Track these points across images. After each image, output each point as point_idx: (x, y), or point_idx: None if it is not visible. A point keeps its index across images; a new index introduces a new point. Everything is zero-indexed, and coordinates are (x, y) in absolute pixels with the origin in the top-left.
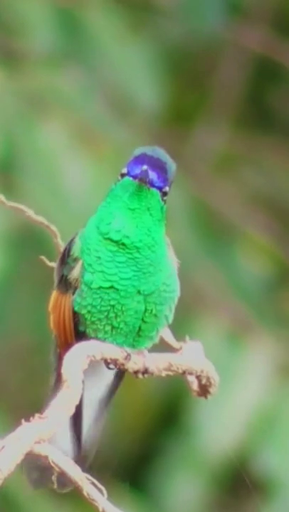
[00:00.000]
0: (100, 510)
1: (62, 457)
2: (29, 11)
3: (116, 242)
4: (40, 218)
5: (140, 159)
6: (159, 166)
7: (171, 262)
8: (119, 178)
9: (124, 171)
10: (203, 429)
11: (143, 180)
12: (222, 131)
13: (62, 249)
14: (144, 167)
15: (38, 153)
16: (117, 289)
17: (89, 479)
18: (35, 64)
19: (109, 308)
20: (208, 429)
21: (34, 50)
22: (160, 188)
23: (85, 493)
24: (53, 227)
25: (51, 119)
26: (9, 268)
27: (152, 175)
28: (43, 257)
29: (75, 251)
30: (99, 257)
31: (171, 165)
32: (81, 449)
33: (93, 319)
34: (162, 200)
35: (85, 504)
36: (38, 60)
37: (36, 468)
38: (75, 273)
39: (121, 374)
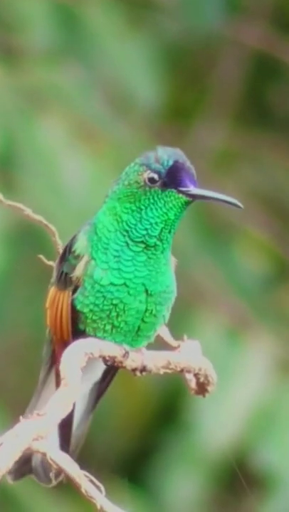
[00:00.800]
0: (98, 507)
1: (60, 454)
2: (28, 7)
3: (148, 246)
4: (38, 217)
5: (179, 170)
6: (194, 179)
7: (170, 261)
8: (147, 182)
9: (155, 176)
10: (202, 426)
11: (196, 200)
12: (221, 127)
13: (62, 247)
14: (218, 196)
15: (37, 150)
16: (128, 286)
17: (87, 476)
18: (34, 60)
19: (111, 307)
20: (206, 426)
21: (33, 47)
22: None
23: (83, 491)
24: (52, 226)
25: (50, 115)
26: (7, 265)
27: (188, 184)
28: (41, 256)
29: (78, 248)
30: (118, 256)
31: (194, 170)
32: (70, 445)
33: (94, 318)
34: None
35: (83, 501)
36: (37, 57)
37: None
38: (77, 270)
39: (111, 371)
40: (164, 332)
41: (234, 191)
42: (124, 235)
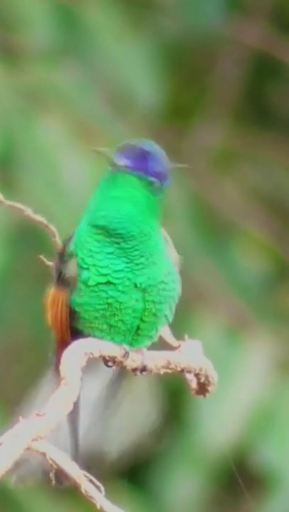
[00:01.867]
0: (98, 507)
1: (59, 454)
2: (28, 6)
3: (101, 228)
4: (38, 217)
5: (121, 149)
6: (139, 154)
7: (169, 259)
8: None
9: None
10: (202, 426)
11: (115, 166)
12: (221, 127)
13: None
14: (117, 152)
15: (36, 149)
16: (114, 284)
17: (87, 476)
18: (33, 59)
19: (105, 306)
20: (206, 426)
21: (33, 46)
22: (141, 177)
23: (83, 491)
24: (52, 226)
25: (50, 114)
26: (7, 265)
27: (125, 161)
28: (41, 256)
29: (70, 246)
30: (90, 250)
31: (160, 157)
32: (78, 450)
33: (89, 318)
34: (151, 190)
35: (83, 501)
36: (36, 56)
37: None
38: (70, 270)
39: (121, 374)
40: (165, 332)
41: (234, 190)
42: (86, 223)
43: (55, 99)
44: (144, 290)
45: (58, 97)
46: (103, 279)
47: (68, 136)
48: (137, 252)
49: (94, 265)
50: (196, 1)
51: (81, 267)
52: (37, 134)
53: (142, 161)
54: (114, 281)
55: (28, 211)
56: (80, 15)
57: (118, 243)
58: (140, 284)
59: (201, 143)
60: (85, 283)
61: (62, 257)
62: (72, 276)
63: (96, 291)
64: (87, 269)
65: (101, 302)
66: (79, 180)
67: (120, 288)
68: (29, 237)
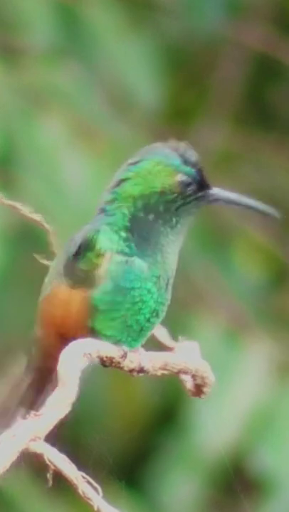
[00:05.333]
0: (95, 508)
1: (57, 455)
2: (28, 6)
3: None
4: (35, 216)
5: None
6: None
7: None
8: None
9: (189, 180)
10: (200, 428)
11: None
12: (221, 128)
13: (64, 245)
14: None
15: (36, 149)
16: (146, 287)
17: (84, 477)
18: (34, 60)
19: (130, 305)
20: (204, 428)
21: (33, 46)
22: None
23: (80, 492)
24: (48, 226)
25: (50, 115)
26: (5, 265)
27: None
28: (37, 256)
29: (103, 246)
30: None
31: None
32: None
33: (113, 316)
34: None
35: (80, 502)
36: (37, 56)
37: None
38: (101, 268)
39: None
40: (161, 333)
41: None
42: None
43: (55, 99)
44: (160, 292)
45: (58, 97)
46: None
47: (68, 137)
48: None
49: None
50: (197, 2)
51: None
52: (37, 134)
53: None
54: (148, 284)
55: (24, 210)
56: (81, 15)
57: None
58: (166, 285)
59: (202, 144)
60: (137, 274)
61: (81, 253)
62: (101, 272)
63: (126, 290)
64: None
65: (128, 301)
66: (79, 181)
67: (149, 287)
68: (28, 238)
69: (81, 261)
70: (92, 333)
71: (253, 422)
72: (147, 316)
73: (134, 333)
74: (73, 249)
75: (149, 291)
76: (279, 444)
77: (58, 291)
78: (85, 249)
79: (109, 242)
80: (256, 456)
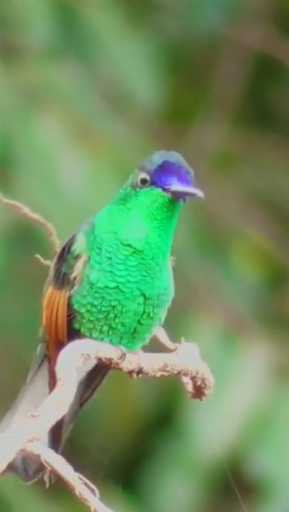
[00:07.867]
0: (92, 510)
1: (54, 456)
2: (27, 5)
3: (135, 249)
4: (36, 216)
5: (167, 169)
6: (187, 180)
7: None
8: (139, 183)
9: (147, 177)
10: (197, 430)
11: (178, 198)
12: (221, 128)
13: (60, 246)
14: (187, 189)
15: (34, 148)
16: (122, 291)
17: (81, 479)
18: (32, 58)
19: (109, 308)
20: (201, 430)
21: (32, 45)
22: (184, 200)
23: (77, 493)
24: (49, 225)
25: (48, 114)
26: (4, 264)
27: (175, 184)
28: (38, 256)
29: (77, 248)
30: (110, 258)
31: (191, 173)
32: (60, 445)
33: (91, 318)
34: (179, 210)
35: (77, 504)
36: (35, 55)
37: None
38: (76, 270)
39: (97, 376)
40: (161, 334)
41: (234, 193)
42: (115, 238)
43: (53, 98)
44: (148, 298)
45: (56, 96)
46: (113, 284)
47: (66, 136)
48: (158, 268)
49: (110, 271)
50: (197, 2)
51: (92, 268)
52: (35, 133)
53: (188, 184)
54: (124, 289)
55: (26, 209)
56: (80, 14)
57: (144, 259)
58: (148, 295)
59: (202, 144)
60: (93, 283)
61: (64, 256)
62: (76, 275)
63: (100, 293)
64: (100, 270)
65: (105, 304)
66: (76, 180)
67: (127, 295)
68: (26, 237)
69: (63, 263)
70: (78, 335)
71: (250, 424)
72: (134, 318)
73: (126, 335)
74: (59, 250)
75: (128, 298)
76: (277, 446)
77: (46, 294)
78: (67, 251)
79: (86, 244)
80: (254, 458)
